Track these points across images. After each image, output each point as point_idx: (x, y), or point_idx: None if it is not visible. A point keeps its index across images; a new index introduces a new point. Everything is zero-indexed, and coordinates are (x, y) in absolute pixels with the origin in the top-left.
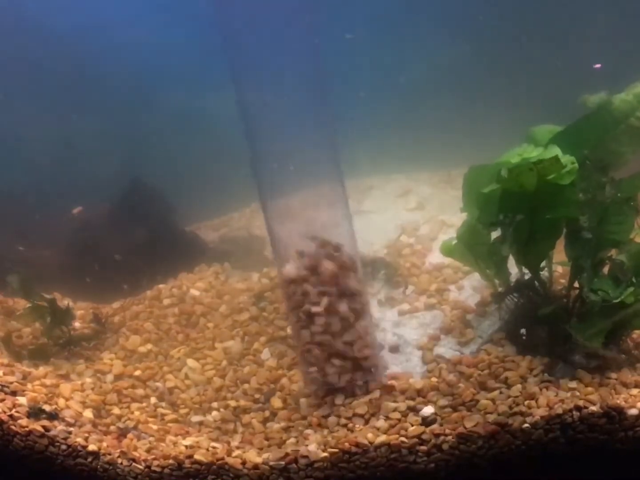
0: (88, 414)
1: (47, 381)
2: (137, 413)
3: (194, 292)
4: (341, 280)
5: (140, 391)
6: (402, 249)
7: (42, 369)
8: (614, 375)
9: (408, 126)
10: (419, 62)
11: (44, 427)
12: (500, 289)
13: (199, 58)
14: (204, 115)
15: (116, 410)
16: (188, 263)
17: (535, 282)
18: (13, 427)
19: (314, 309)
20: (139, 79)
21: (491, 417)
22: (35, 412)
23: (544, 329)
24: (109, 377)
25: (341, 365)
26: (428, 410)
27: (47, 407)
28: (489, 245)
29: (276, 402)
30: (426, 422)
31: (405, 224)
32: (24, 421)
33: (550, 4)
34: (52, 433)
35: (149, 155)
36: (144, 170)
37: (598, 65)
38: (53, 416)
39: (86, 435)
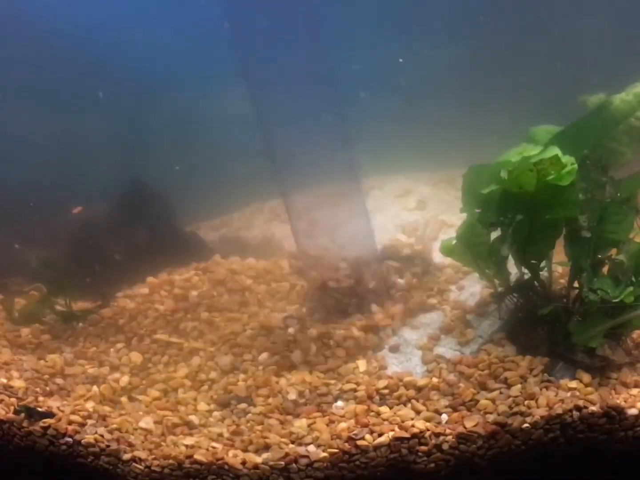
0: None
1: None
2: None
3: (194, 292)
4: None
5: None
6: (402, 249)
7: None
8: (614, 375)
9: (408, 126)
10: (419, 62)
11: (43, 427)
12: (500, 289)
13: (199, 57)
14: (204, 115)
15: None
16: (188, 263)
17: (535, 282)
18: (13, 427)
19: None
20: (140, 78)
21: (491, 417)
22: (29, 413)
23: (543, 328)
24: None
25: None
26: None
27: (40, 408)
28: (488, 246)
29: None
30: None
31: (405, 224)
32: (24, 421)
33: (550, 4)
34: (52, 433)
35: (149, 155)
36: (144, 170)
37: None
38: (47, 415)
39: (86, 435)
